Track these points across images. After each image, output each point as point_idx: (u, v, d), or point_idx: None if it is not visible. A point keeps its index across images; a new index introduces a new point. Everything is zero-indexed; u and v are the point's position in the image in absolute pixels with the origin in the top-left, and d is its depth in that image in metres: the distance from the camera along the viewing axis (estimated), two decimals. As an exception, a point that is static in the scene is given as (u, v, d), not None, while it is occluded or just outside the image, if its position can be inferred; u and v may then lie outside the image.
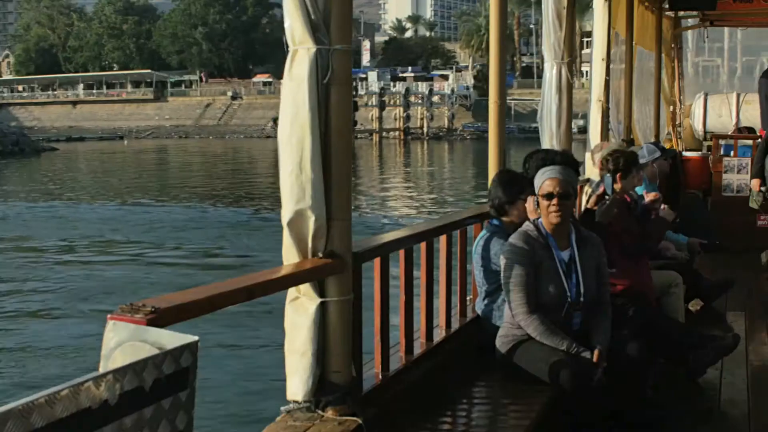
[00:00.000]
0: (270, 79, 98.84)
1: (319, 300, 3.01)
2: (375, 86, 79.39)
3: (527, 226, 4.14)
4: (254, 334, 13.54)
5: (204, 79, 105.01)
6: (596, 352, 3.92)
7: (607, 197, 5.21)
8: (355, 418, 3.01)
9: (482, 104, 77.26)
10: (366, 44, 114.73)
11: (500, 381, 4.12)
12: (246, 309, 13.61)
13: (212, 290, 2.59)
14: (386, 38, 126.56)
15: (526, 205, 4.46)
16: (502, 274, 4.11)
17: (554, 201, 4.00)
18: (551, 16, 6.29)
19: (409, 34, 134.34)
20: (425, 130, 76.94)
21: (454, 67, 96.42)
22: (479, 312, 4.63)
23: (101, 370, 1.60)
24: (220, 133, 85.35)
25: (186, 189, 37.09)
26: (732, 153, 10.06)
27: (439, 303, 4.45)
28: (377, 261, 3.58)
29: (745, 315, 6.49)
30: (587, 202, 5.62)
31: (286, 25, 2.96)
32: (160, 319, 2.08)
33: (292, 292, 3.04)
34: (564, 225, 4.08)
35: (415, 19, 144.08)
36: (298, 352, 3.01)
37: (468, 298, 4.85)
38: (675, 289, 5.65)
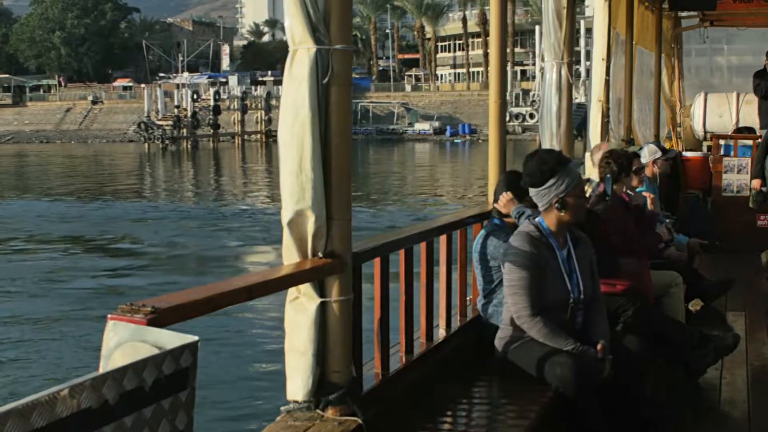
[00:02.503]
0: (130, 84, 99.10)
1: (319, 300, 3.01)
2: (237, 90, 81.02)
3: (527, 227, 4.12)
4: (254, 333, 13.55)
5: (63, 83, 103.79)
6: (600, 345, 3.92)
7: (607, 197, 5.21)
8: (355, 418, 3.01)
9: None
10: (225, 48, 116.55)
11: (500, 381, 4.12)
12: (246, 309, 13.64)
13: (212, 290, 2.59)
14: (245, 42, 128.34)
15: (501, 198, 4.49)
16: (504, 277, 4.10)
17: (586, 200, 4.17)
18: (551, 16, 6.28)
19: (266, 38, 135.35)
20: None
21: None
22: (479, 311, 4.63)
23: (101, 370, 1.60)
24: (81, 138, 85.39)
25: (51, 187, 39.39)
26: (732, 153, 10.06)
27: (439, 303, 4.45)
28: (377, 261, 3.58)
29: (745, 315, 6.49)
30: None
31: (287, 25, 2.96)
32: (160, 319, 2.08)
33: (292, 292, 3.04)
34: (569, 223, 4.09)
35: (272, 23, 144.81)
36: (298, 352, 3.01)
37: (468, 298, 4.85)
38: (675, 289, 5.65)
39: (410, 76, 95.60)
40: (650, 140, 10.04)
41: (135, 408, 1.55)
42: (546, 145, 6.23)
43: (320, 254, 3.00)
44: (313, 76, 2.91)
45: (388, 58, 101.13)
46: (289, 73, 2.96)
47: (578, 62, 70.26)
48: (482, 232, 4.68)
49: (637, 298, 4.94)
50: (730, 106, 13.09)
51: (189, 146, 71.08)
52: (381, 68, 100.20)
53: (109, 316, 1.89)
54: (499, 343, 4.18)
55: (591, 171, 6.59)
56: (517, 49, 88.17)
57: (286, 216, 2.98)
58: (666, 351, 4.87)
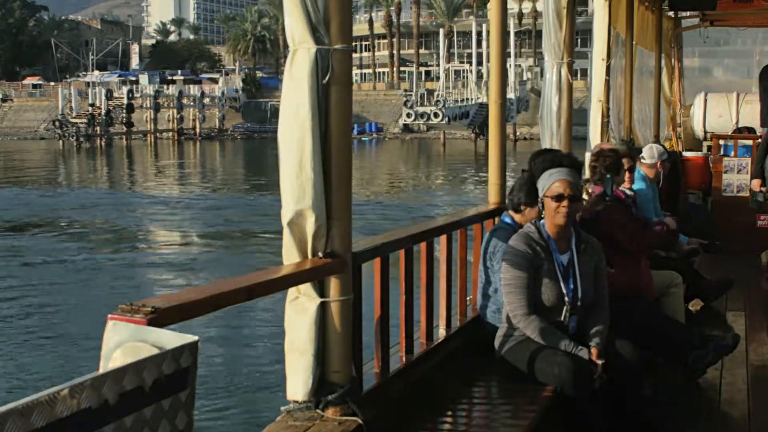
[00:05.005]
0: (40, 82, 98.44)
1: (319, 300, 3.01)
2: (149, 89, 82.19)
3: (528, 227, 4.13)
4: (254, 334, 13.56)
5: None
6: (594, 350, 3.93)
7: (607, 198, 5.21)
8: (355, 418, 3.01)
9: (251, 105, 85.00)
10: (135, 47, 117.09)
11: (500, 381, 4.12)
12: (246, 309, 13.65)
13: (212, 290, 2.59)
14: (152, 41, 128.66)
15: (528, 212, 4.49)
16: (501, 276, 4.11)
17: (564, 203, 3.97)
18: (551, 16, 6.28)
19: (173, 37, 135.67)
20: (198, 130, 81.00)
21: (223, 70, 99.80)
22: (480, 311, 4.64)
23: (101, 370, 1.60)
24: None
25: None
26: (732, 153, 10.06)
27: (439, 303, 4.45)
28: (377, 261, 3.58)
29: (745, 315, 6.49)
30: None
31: (287, 25, 2.95)
32: (160, 319, 2.08)
33: (292, 292, 3.04)
34: (567, 228, 4.06)
35: (178, 22, 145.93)
36: (298, 352, 3.01)
37: (468, 298, 4.85)
38: (675, 289, 5.65)
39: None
40: (650, 140, 10.05)
41: (135, 408, 1.55)
42: (546, 145, 6.23)
43: (320, 254, 3.00)
44: (313, 76, 2.91)
45: None
46: (289, 73, 2.96)
47: (480, 63, 72.77)
48: (490, 231, 4.71)
49: (637, 298, 4.94)
50: (730, 106, 13.10)
51: (103, 143, 73.02)
52: None
53: (109, 315, 1.89)
54: (499, 342, 4.18)
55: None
56: (422, 51, 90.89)
57: (286, 216, 2.97)
58: (666, 351, 4.87)
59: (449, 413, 3.83)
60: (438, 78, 75.00)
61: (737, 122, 12.71)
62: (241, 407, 10.42)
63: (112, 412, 1.49)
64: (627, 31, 8.74)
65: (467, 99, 71.76)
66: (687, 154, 11.26)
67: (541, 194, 4.05)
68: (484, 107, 69.44)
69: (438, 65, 77.63)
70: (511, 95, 69.94)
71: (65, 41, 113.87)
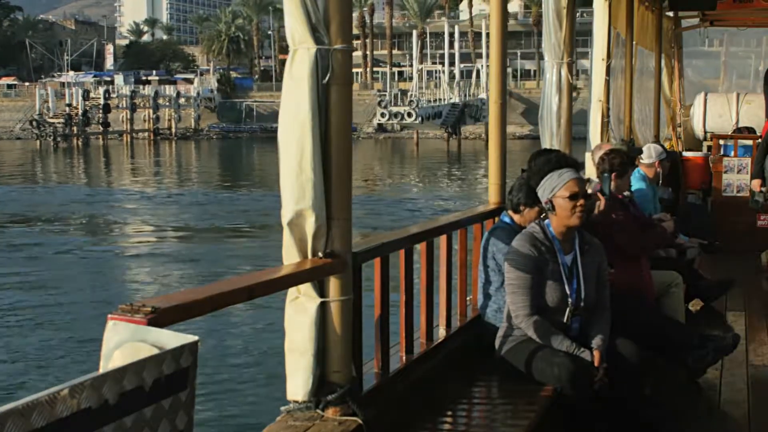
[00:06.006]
0: (15, 82, 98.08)
1: (319, 300, 3.01)
2: (125, 89, 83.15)
3: (533, 227, 4.12)
4: (254, 334, 13.55)
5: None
6: (596, 353, 3.92)
7: (605, 197, 5.21)
8: (355, 418, 3.01)
9: (226, 106, 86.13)
10: (109, 48, 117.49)
11: (500, 381, 4.12)
12: (246, 309, 13.65)
13: (212, 290, 2.59)
14: (126, 42, 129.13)
15: (527, 213, 4.49)
16: (505, 276, 4.10)
17: (581, 201, 3.95)
18: (551, 16, 6.28)
19: (146, 37, 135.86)
20: (173, 130, 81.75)
21: (198, 70, 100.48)
22: (480, 311, 4.63)
23: (101, 370, 1.60)
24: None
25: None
26: (732, 153, 10.06)
27: (439, 303, 4.45)
28: (377, 261, 3.57)
29: (745, 315, 6.49)
30: None
31: (287, 25, 2.95)
32: (160, 319, 2.07)
33: (292, 292, 3.04)
34: (574, 228, 4.05)
35: (152, 22, 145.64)
36: (298, 352, 3.01)
37: (468, 298, 4.85)
38: (675, 289, 5.65)
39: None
40: (650, 140, 10.05)
41: (135, 408, 1.55)
42: (546, 145, 6.23)
43: (320, 254, 3.00)
44: (313, 76, 2.91)
45: (269, 58, 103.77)
46: (289, 73, 2.96)
47: (452, 64, 73.51)
48: (489, 231, 4.70)
49: (637, 298, 4.94)
50: (730, 106, 13.09)
51: (80, 143, 73.62)
52: (263, 68, 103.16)
53: (109, 315, 1.89)
54: (499, 342, 4.18)
55: (591, 171, 6.60)
56: (395, 51, 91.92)
57: (286, 216, 2.97)
58: (666, 351, 4.87)
59: (449, 413, 3.83)
60: (411, 78, 76.37)
61: (737, 122, 12.70)
62: (241, 407, 10.42)
63: (112, 412, 1.49)
64: (627, 31, 8.74)
65: (440, 99, 72.93)
66: (687, 154, 11.27)
67: (549, 195, 3.99)
68: (456, 107, 71.20)
69: (411, 66, 78.90)
70: (482, 95, 71.87)
71: (39, 41, 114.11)
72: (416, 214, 28.10)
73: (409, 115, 66.40)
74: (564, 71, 6.41)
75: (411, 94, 71.04)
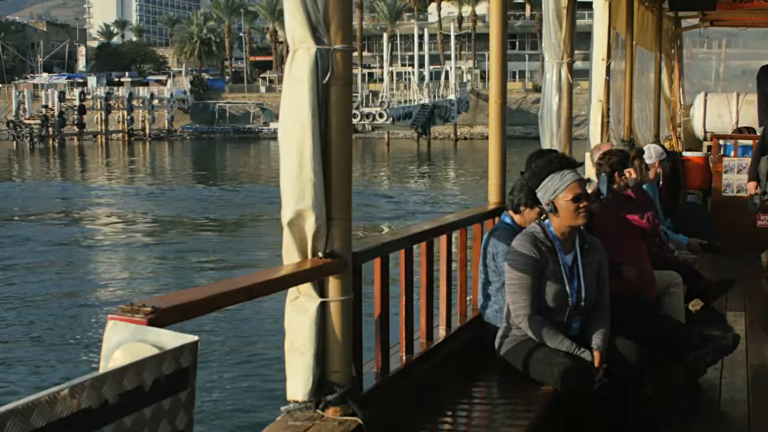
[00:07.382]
0: None
1: (319, 300, 3.01)
2: (100, 91, 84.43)
3: (533, 227, 4.12)
4: (254, 333, 13.55)
5: None
6: (596, 354, 3.92)
7: (602, 196, 5.21)
8: (355, 418, 3.01)
9: (198, 107, 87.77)
10: (82, 50, 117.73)
11: (500, 381, 4.13)
12: (246, 309, 13.65)
13: (212, 290, 2.59)
14: (97, 43, 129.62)
15: (527, 213, 4.49)
16: (505, 276, 4.10)
17: (584, 203, 3.96)
18: (551, 16, 6.27)
19: (116, 39, 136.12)
20: (147, 131, 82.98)
21: (170, 72, 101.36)
22: (480, 311, 4.63)
23: (101, 370, 1.60)
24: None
25: None
26: (732, 153, 10.06)
27: (439, 303, 4.45)
28: (377, 261, 3.57)
29: (745, 315, 6.49)
30: None
31: (287, 25, 2.95)
32: (160, 319, 2.07)
33: (292, 292, 3.04)
34: (575, 228, 4.05)
35: (122, 24, 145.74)
36: (298, 352, 3.01)
37: (468, 298, 4.85)
38: (675, 289, 5.65)
39: (264, 78, 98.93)
40: (650, 140, 10.05)
41: (135, 408, 1.55)
42: (546, 145, 6.22)
43: (320, 254, 3.00)
44: (313, 76, 2.91)
45: (240, 60, 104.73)
46: (289, 73, 2.96)
47: (422, 65, 74.25)
48: (489, 231, 4.70)
49: (638, 298, 4.94)
50: (730, 106, 13.08)
51: (56, 144, 74.85)
52: (234, 70, 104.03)
53: (109, 316, 1.89)
54: (499, 342, 4.18)
55: (591, 171, 6.60)
56: (365, 53, 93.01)
57: (286, 216, 2.97)
58: (666, 351, 4.86)
59: (449, 413, 3.83)
60: (381, 80, 77.52)
61: (737, 122, 12.70)
62: (241, 407, 10.42)
63: (112, 412, 1.49)
64: (627, 31, 8.74)
65: (410, 100, 73.84)
66: (687, 154, 11.27)
67: (551, 196, 3.99)
68: (426, 108, 72.32)
69: (381, 67, 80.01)
70: (451, 96, 73.98)
71: (11, 43, 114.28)
72: (393, 207, 30.28)
73: (381, 115, 67.25)
74: (564, 71, 6.40)
75: (382, 96, 72.20)
